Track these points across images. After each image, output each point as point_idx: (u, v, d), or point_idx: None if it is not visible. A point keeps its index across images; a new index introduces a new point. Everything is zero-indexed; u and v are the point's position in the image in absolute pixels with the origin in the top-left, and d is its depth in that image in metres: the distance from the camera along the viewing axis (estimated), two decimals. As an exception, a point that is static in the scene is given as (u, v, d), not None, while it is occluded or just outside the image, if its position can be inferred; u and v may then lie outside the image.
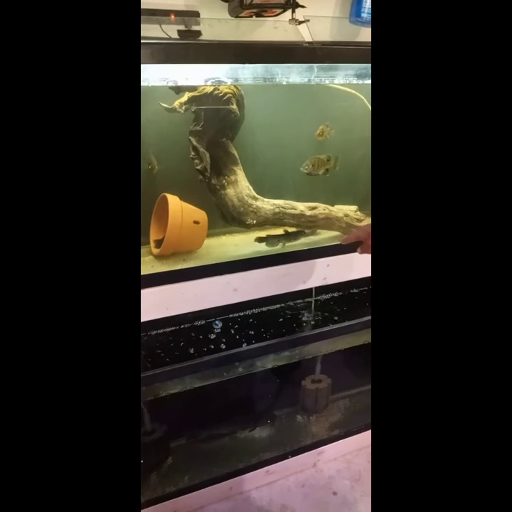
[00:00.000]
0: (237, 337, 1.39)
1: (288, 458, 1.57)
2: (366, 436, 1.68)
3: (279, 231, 1.32)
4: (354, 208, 1.42)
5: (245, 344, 1.33)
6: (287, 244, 1.30)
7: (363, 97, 1.32)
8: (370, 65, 1.02)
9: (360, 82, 1.19)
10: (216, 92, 1.16)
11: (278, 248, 1.28)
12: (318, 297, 1.62)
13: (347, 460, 1.67)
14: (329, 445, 1.63)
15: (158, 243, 1.25)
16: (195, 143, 1.19)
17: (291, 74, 1.09)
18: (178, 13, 1.14)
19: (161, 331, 1.43)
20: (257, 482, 1.55)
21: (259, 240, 1.27)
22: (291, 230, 1.32)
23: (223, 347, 1.33)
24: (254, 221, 1.27)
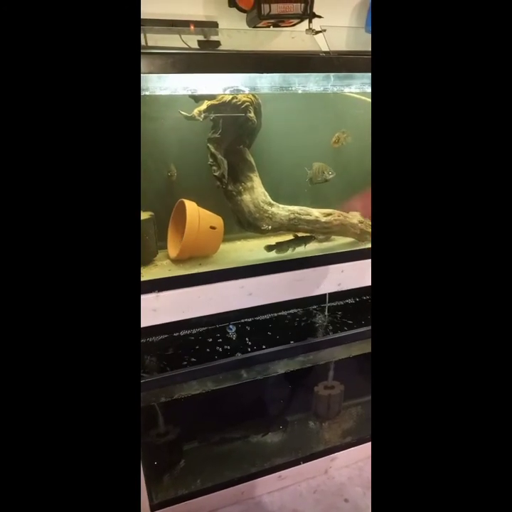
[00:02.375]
0: (251, 341, 1.40)
1: (300, 464, 1.57)
2: (379, 443, 1.67)
3: (289, 238, 1.33)
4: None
5: (259, 349, 1.34)
6: (298, 249, 1.31)
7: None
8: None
9: (376, 90, 1.20)
10: (234, 100, 1.18)
11: (292, 253, 1.29)
12: (333, 303, 1.62)
13: (359, 467, 1.66)
14: (341, 452, 1.63)
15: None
16: (213, 150, 1.21)
17: (308, 83, 1.11)
18: (198, 24, 1.17)
19: (176, 333, 1.45)
20: (268, 487, 1.56)
21: (269, 248, 1.29)
22: (300, 234, 1.33)
23: (236, 351, 1.34)
24: (270, 227, 1.28)
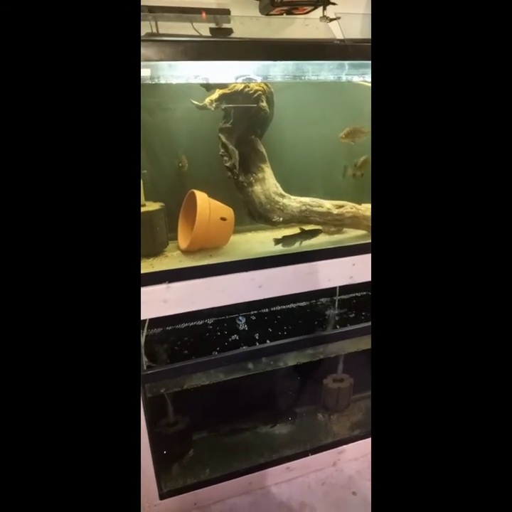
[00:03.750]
0: (261, 333, 1.39)
1: (308, 456, 1.57)
2: (388, 437, 1.66)
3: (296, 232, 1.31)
4: (381, 206, 1.40)
5: (268, 341, 1.34)
6: (309, 241, 1.29)
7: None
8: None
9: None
10: (246, 89, 1.16)
11: (303, 246, 1.28)
12: (343, 296, 1.61)
13: (368, 461, 1.65)
14: (350, 445, 1.62)
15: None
16: (224, 140, 1.20)
17: (322, 71, 1.09)
18: (210, 11, 1.15)
19: (187, 324, 1.46)
20: (276, 478, 1.56)
21: (276, 241, 1.27)
22: (307, 228, 1.31)
23: (246, 343, 1.34)
24: (281, 218, 1.27)
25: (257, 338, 1.37)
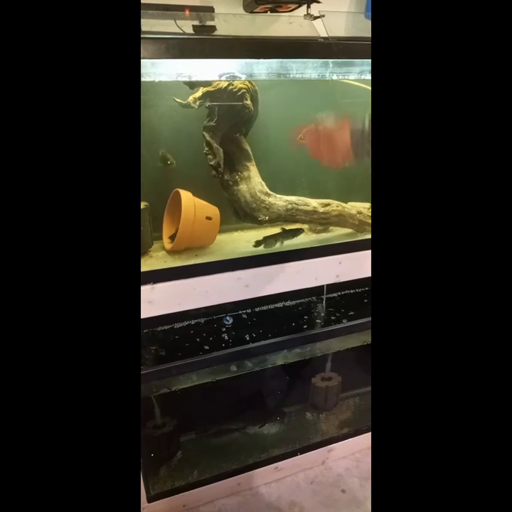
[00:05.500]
0: (248, 333, 1.39)
1: (297, 455, 1.58)
2: (376, 435, 1.67)
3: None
4: (368, 205, 1.41)
5: (256, 341, 1.33)
6: (294, 240, 1.29)
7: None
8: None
9: (376, 77, 1.18)
10: (230, 87, 1.15)
11: (289, 245, 1.27)
12: (330, 294, 1.61)
13: (356, 458, 1.66)
14: (338, 443, 1.63)
15: (173, 238, 1.25)
16: (208, 138, 1.19)
17: (306, 69, 1.09)
18: (193, 9, 1.14)
19: (173, 325, 1.44)
20: (265, 478, 1.56)
21: (257, 243, 1.26)
22: (288, 227, 1.30)
23: (234, 343, 1.33)
24: (267, 217, 1.26)
25: (244, 337, 1.36)
